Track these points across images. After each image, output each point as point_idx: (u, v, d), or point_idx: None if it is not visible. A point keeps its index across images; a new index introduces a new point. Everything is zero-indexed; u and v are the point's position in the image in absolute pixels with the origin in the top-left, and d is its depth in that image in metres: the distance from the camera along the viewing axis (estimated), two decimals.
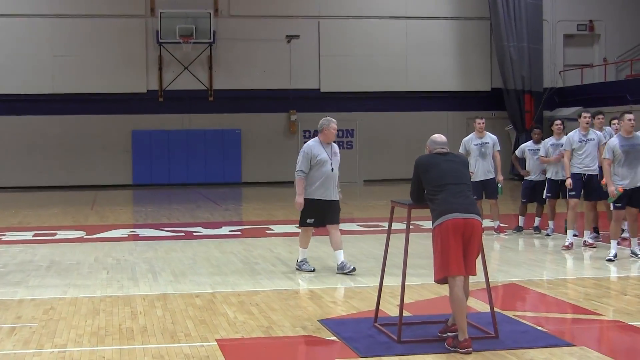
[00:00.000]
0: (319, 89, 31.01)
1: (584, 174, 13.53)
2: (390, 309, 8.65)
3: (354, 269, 11.07)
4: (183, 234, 16.03)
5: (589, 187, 13.51)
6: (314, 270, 11.38)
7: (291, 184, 33.85)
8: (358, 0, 31.26)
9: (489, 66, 31.89)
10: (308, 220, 11.27)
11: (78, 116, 29.69)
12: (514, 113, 30.99)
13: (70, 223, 18.42)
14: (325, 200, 11.21)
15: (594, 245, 13.41)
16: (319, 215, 11.23)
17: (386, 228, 8.18)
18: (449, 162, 7.75)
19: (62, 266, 12.25)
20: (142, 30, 30.06)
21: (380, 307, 8.24)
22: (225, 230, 16.72)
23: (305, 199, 11.21)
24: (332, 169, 11.22)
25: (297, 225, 11.65)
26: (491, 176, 15.23)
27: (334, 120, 11.37)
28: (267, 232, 16.30)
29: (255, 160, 30.66)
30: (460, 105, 31.25)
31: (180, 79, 30.16)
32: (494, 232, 15.14)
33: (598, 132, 13.79)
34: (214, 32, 29.93)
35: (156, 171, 29.99)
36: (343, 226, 11.47)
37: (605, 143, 12.99)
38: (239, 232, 16.51)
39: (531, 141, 15.82)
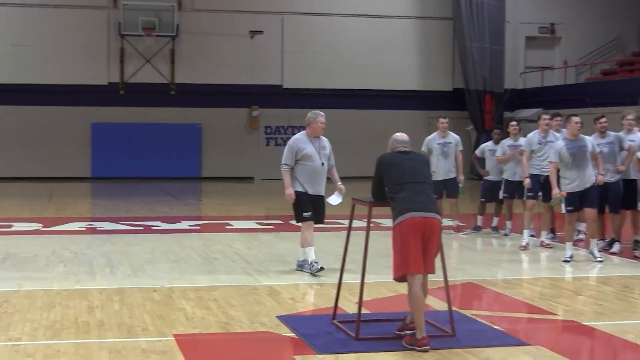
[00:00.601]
0: (282, 85, 30.98)
1: (542, 175, 13.66)
2: (349, 306, 8.67)
3: (321, 269, 10.89)
4: (142, 228, 15.93)
5: (546, 188, 13.59)
6: (321, 269, 10.81)
7: (251, 179, 33.92)
8: None
9: (451, 66, 32.07)
10: (305, 214, 10.85)
11: (36, 107, 29.41)
12: (475, 113, 31.20)
13: (27, 215, 18.24)
14: (314, 195, 10.92)
15: (551, 246, 13.55)
16: (313, 209, 10.87)
17: (346, 225, 8.19)
18: (411, 161, 7.76)
19: (17, 259, 12.12)
20: (104, 22, 29.83)
21: (339, 305, 8.25)
22: (184, 224, 16.66)
23: (298, 192, 10.88)
24: (323, 164, 10.94)
25: (296, 222, 11.15)
26: (452, 175, 15.31)
27: (321, 113, 11.00)
28: (227, 227, 16.26)
29: (216, 155, 30.57)
30: (422, 105, 31.38)
31: (142, 72, 29.98)
32: (453, 231, 15.23)
33: (557, 134, 13.90)
34: (178, 25, 29.78)
35: (115, 164, 29.78)
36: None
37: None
38: (198, 227, 16.46)
39: (491, 141, 15.93)
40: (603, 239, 13.16)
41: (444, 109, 29.80)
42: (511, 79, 32.34)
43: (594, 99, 27.65)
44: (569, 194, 12.11)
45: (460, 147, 15.52)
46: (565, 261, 12.11)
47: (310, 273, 10.79)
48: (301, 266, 11.15)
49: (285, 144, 11.33)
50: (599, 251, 12.49)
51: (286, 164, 10.91)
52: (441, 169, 15.24)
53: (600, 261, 12.12)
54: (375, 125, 30.49)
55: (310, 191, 10.89)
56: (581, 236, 14.15)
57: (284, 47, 30.92)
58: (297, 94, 30.64)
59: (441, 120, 15.55)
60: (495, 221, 15.64)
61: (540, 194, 13.88)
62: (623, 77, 29.07)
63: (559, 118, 14.37)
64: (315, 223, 10.96)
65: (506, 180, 15.01)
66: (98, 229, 15.98)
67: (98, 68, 29.74)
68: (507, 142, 15.15)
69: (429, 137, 15.58)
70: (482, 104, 31.15)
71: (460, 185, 15.38)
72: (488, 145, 15.91)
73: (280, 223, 16.81)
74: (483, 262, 12.46)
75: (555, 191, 12.18)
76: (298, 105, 29.42)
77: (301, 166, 10.87)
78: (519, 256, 13.07)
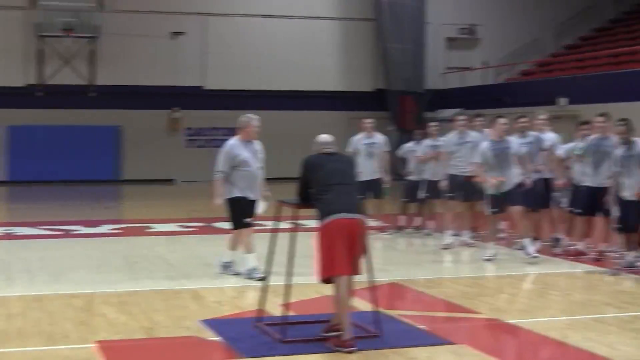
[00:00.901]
0: (204, 87, 30.78)
1: (461, 176, 13.77)
2: (275, 308, 8.63)
3: (264, 278, 10.71)
4: (61, 233, 15.65)
5: (467, 188, 13.71)
6: (263, 279, 10.84)
7: (172, 181, 33.54)
8: None
9: (373, 67, 32.23)
10: (246, 220, 10.65)
11: None
12: (397, 113, 31.40)
13: None
14: (251, 200, 10.72)
15: (473, 245, 13.70)
16: (250, 215, 10.70)
17: (271, 227, 8.16)
18: (336, 162, 7.78)
19: None
20: (21, 23, 29.24)
21: (264, 307, 8.20)
22: (104, 228, 16.41)
23: (234, 198, 10.67)
24: (258, 168, 10.76)
25: (233, 227, 10.83)
26: (377, 176, 15.39)
27: (255, 117, 10.85)
28: (148, 230, 16.08)
29: (137, 158, 30.22)
30: (344, 105, 31.45)
31: (61, 73, 29.47)
32: (376, 232, 15.29)
33: (475, 134, 14.03)
34: (98, 26, 29.36)
35: (34, 167, 29.21)
36: (226, 225, 11.33)
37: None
38: (119, 231, 16.23)
39: (413, 142, 16.05)
40: (537, 238, 13.28)
41: (366, 110, 29.85)
42: (432, 79, 32.63)
43: (514, 99, 28.08)
44: (493, 195, 12.18)
45: (387, 148, 15.61)
46: (487, 260, 12.25)
47: (249, 278, 10.64)
48: (226, 268, 11.02)
49: (206, 146, 11.20)
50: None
51: (221, 171, 10.65)
52: (366, 169, 15.30)
53: (536, 257, 12.13)
54: (298, 126, 30.46)
55: (251, 196, 10.73)
56: (502, 235, 14.34)
57: (206, 48, 30.72)
58: (219, 95, 30.48)
59: (366, 120, 15.60)
60: (417, 221, 15.77)
61: (460, 193, 14.00)
62: (541, 78, 29.60)
63: (480, 118, 14.53)
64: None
65: (428, 180, 15.14)
66: (16, 234, 15.64)
67: (15, 69, 29.14)
68: (427, 142, 15.31)
69: (355, 137, 15.62)
70: (403, 105, 31.37)
71: (385, 185, 15.47)
72: (410, 145, 16.02)
73: (203, 225, 16.68)
74: (406, 262, 12.56)
75: (491, 180, 12.12)
76: (220, 107, 29.25)
77: (239, 172, 10.64)
78: (442, 256, 13.19)
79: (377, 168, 15.37)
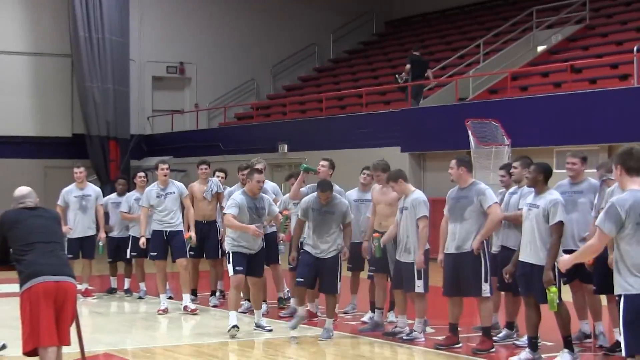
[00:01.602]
0: None
1: (166, 231, 13.82)
2: None
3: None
4: None
5: (174, 244, 13.78)
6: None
7: None
8: None
9: (70, 109, 31.70)
10: None
11: None
12: (98, 162, 30.99)
13: None
14: None
15: (196, 311, 13.64)
16: None
17: None
18: (38, 218, 7.71)
19: None
20: None
21: None
22: None
23: None
24: None
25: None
26: (91, 232, 15.22)
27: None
28: None
29: None
30: (37, 152, 30.67)
31: None
32: (81, 296, 15.01)
33: (179, 184, 14.02)
34: None
35: None
36: None
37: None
38: None
39: (115, 194, 16.00)
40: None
41: (64, 157, 29.46)
42: (138, 123, 32.64)
43: (229, 145, 28.70)
44: (234, 253, 11.93)
45: (102, 200, 15.47)
46: (232, 329, 11.60)
47: None
48: None
49: None
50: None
51: None
52: (79, 225, 15.11)
53: (270, 330, 12.00)
54: None
55: None
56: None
57: None
58: None
59: (77, 170, 15.38)
60: (127, 283, 15.70)
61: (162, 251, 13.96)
62: (259, 122, 30.44)
63: (204, 166, 14.57)
64: None
65: (133, 237, 15.06)
66: None
67: None
68: (133, 195, 15.24)
69: (66, 188, 15.39)
70: (105, 152, 31.07)
71: (101, 243, 15.33)
72: (111, 197, 15.93)
73: None
74: (118, 329, 12.51)
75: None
76: None
77: None
78: (157, 321, 13.23)
79: (92, 223, 15.24)
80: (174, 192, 13.81)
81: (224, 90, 33.74)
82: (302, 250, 11.68)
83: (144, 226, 13.87)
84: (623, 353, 6.65)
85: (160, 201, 13.76)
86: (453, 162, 10.74)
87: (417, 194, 11.25)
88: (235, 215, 11.52)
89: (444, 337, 10.93)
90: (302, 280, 11.47)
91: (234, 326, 11.52)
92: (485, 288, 10.46)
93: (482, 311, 10.62)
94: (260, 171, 11.92)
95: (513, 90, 22.52)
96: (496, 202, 10.53)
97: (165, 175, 13.83)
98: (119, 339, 11.69)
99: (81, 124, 31.13)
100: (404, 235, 11.12)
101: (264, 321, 12.11)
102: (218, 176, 14.78)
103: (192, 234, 13.71)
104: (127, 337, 12.02)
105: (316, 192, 11.57)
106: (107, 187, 30.29)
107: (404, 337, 11.21)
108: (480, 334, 10.73)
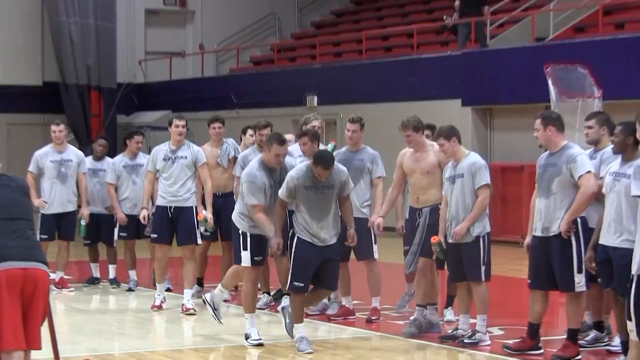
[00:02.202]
0: None
1: (171, 207, 13.55)
2: None
3: None
4: None
5: (180, 225, 13.63)
6: None
7: None
8: None
9: (40, 50, 31.76)
10: None
11: None
12: (77, 117, 31.03)
13: None
14: None
15: (191, 311, 13.34)
16: None
17: None
18: (1, 188, 7.72)
19: None
20: None
21: None
22: None
23: None
24: None
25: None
26: (71, 208, 15.25)
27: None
28: None
29: None
30: (2, 105, 30.75)
31: None
32: (55, 287, 15.04)
33: (196, 148, 13.87)
34: None
35: None
36: None
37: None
38: None
39: (91, 157, 15.98)
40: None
41: (32, 111, 29.61)
42: (127, 69, 32.67)
43: (243, 96, 28.62)
44: (252, 237, 11.78)
45: (86, 167, 15.43)
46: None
47: None
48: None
49: None
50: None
51: None
52: (56, 197, 15.12)
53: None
54: None
55: None
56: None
57: None
58: None
59: (54, 128, 15.33)
60: (112, 271, 15.70)
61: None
62: (282, 67, 30.34)
63: (217, 124, 14.49)
64: None
65: (127, 214, 15.02)
66: None
67: None
68: (121, 160, 15.20)
69: (40, 151, 15.36)
70: (86, 105, 31.11)
71: (84, 222, 15.35)
72: (87, 162, 15.86)
73: None
74: (102, 329, 12.58)
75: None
76: None
77: None
78: (151, 319, 13.27)
79: (73, 196, 15.25)
80: (185, 157, 13.47)
81: (236, 27, 33.67)
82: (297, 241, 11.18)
83: (147, 195, 13.76)
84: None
85: (166, 165, 13.49)
86: (538, 122, 10.62)
87: (475, 157, 11.22)
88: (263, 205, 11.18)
89: (519, 339, 10.92)
90: (302, 285, 10.99)
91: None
92: (580, 280, 10.43)
93: (572, 309, 10.59)
94: (283, 141, 11.35)
95: (606, 27, 22.36)
96: (589, 171, 10.42)
97: (180, 134, 13.54)
98: (102, 342, 11.74)
99: (54, 69, 31.18)
100: (456, 211, 11.05)
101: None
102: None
103: (209, 214, 13.44)
104: (113, 340, 12.07)
105: (304, 166, 11.08)
106: (88, 149, 30.37)
107: (466, 341, 11.20)
108: (565, 337, 10.72)
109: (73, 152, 15.49)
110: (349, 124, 12.75)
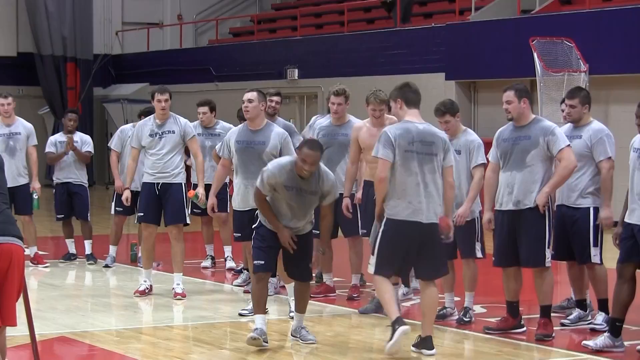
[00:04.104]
0: None
1: (158, 184, 13.10)
2: None
3: None
4: None
5: (168, 203, 13.37)
6: None
7: None
8: None
9: (15, 20, 31.65)
10: None
11: None
12: (52, 90, 31.03)
13: None
14: None
15: (181, 295, 13.04)
16: None
17: None
18: None
19: None
20: None
21: None
22: None
23: None
24: None
25: None
26: (23, 181, 15.16)
27: None
28: None
29: None
30: None
31: None
32: (30, 263, 15.06)
33: (183, 121, 13.62)
34: None
35: None
36: None
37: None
38: None
39: (61, 132, 15.94)
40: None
41: (6, 83, 29.45)
42: (104, 40, 32.60)
43: (222, 69, 28.62)
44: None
45: (34, 141, 15.36)
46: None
47: None
48: None
49: None
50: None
51: None
52: (8, 172, 14.94)
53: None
54: None
55: None
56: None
57: None
58: None
59: (2, 101, 15.14)
60: (88, 246, 15.66)
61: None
62: (262, 39, 30.29)
63: (204, 109, 14.62)
64: None
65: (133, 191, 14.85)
66: None
67: None
68: (129, 129, 15.05)
69: None
70: (62, 76, 31.06)
71: (36, 195, 15.26)
72: (58, 137, 15.82)
73: None
74: (78, 307, 12.60)
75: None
76: None
77: None
78: (130, 296, 13.23)
79: (23, 170, 15.18)
80: (173, 132, 13.04)
81: None
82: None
83: (131, 174, 13.37)
84: None
85: (153, 141, 13.05)
86: (511, 94, 10.53)
87: (472, 135, 11.25)
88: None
89: (500, 318, 10.94)
90: (262, 263, 10.23)
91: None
92: (549, 255, 10.45)
93: (541, 285, 10.58)
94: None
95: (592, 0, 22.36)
96: (569, 145, 10.44)
97: (163, 109, 13.09)
98: (78, 319, 11.75)
99: (29, 40, 31.11)
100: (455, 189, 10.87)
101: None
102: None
103: (200, 190, 12.94)
104: (88, 317, 12.05)
105: (288, 163, 10.18)
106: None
107: (465, 319, 11.23)
108: (540, 314, 10.74)
109: (22, 125, 15.27)
110: (333, 97, 12.61)
